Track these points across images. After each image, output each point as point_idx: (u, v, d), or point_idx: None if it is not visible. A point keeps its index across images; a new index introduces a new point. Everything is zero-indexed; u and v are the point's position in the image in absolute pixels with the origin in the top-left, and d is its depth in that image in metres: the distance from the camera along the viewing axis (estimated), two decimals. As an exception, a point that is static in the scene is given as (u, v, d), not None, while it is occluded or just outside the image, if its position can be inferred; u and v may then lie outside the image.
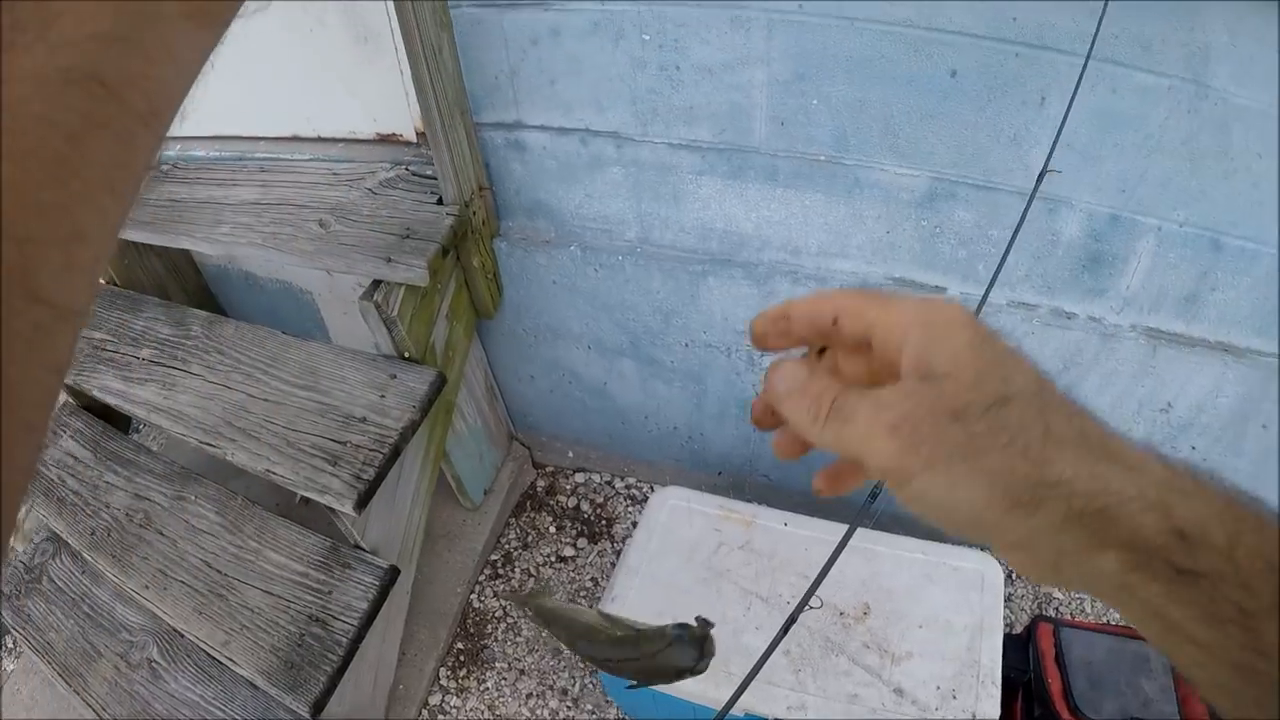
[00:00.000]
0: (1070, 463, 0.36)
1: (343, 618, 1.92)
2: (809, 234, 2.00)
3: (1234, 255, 1.77)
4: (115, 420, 2.59)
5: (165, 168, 2.58)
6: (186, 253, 2.76)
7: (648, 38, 1.82)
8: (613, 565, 2.53)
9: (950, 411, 0.38)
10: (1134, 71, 1.63)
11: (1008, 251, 1.42)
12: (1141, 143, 1.71)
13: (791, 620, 1.19)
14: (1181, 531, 0.35)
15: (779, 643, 1.17)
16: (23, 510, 2.73)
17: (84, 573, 2.35)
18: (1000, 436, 0.37)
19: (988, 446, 0.37)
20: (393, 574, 1.96)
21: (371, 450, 1.90)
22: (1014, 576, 2.44)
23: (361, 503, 1.84)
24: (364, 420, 1.97)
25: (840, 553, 1.23)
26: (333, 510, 1.93)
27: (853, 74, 1.77)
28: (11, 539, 2.62)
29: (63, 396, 2.65)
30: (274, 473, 1.95)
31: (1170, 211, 1.76)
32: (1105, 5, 1.45)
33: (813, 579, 1.80)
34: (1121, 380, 2.06)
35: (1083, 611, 2.44)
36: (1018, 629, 2.12)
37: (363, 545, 1.99)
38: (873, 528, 1.88)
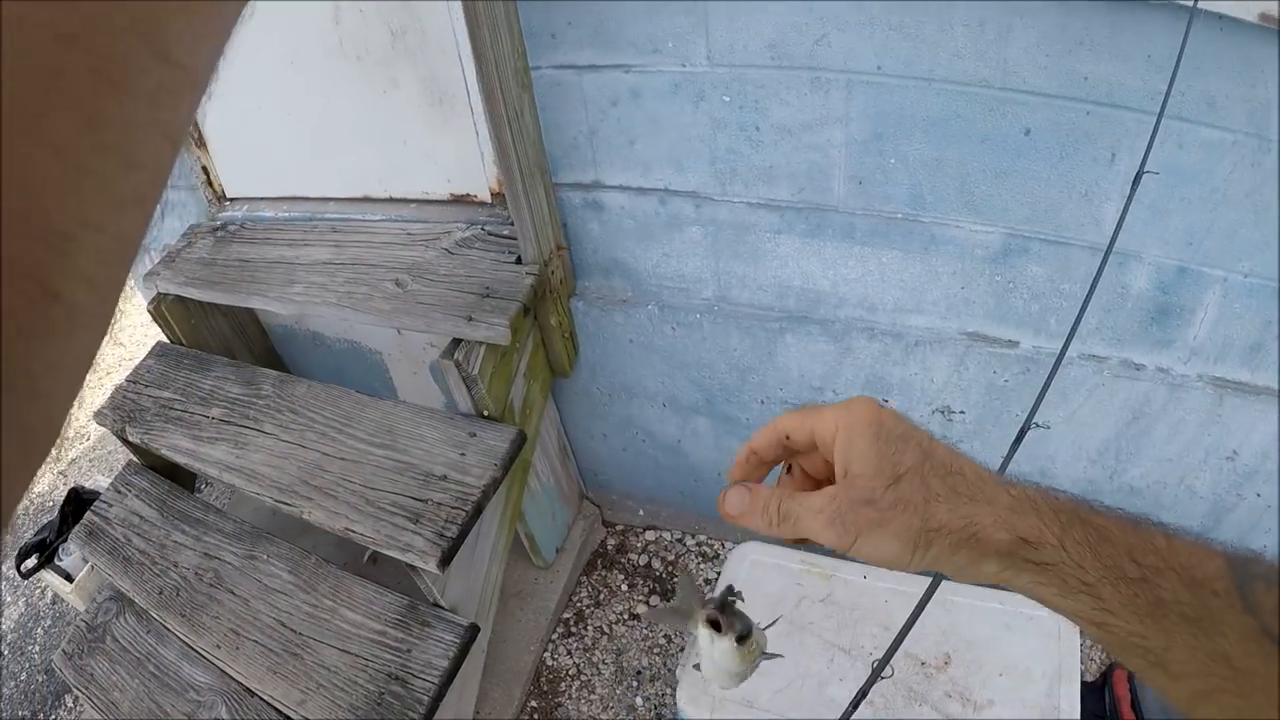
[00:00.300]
0: (945, 511, 0.53)
1: (423, 676, 1.91)
2: (885, 290, 2.02)
3: (1298, 305, 1.79)
4: (181, 479, 2.61)
5: (233, 228, 2.63)
6: (252, 312, 2.80)
7: (728, 99, 1.85)
8: (685, 622, 2.52)
9: (863, 500, 0.55)
10: (1199, 127, 1.66)
11: (1085, 305, 1.43)
12: (1207, 196, 1.73)
13: (877, 672, 1.20)
14: (1024, 539, 0.52)
15: (866, 693, 1.18)
16: (85, 568, 2.75)
17: (149, 632, 2.34)
18: (897, 507, 0.54)
19: (891, 518, 0.54)
20: (473, 631, 1.95)
21: (454, 508, 1.91)
22: None
23: (445, 560, 1.84)
24: (444, 478, 1.98)
25: (923, 608, 1.25)
26: (413, 568, 1.93)
27: (929, 133, 1.80)
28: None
29: (127, 455, 2.67)
30: (353, 530, 1.95)
31: (1235, 263, 1.78)
32: (1177, 66, 1.48)
33: (893, 629, 1.83)
34: (1189, 429, 2.05)
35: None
36: (1090, 676, 2.11)
37: (441, 603, 1.99)
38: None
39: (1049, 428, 2.04)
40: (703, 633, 0.71)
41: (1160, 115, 1.49)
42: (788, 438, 0.63)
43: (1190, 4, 1.47)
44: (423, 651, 1.94)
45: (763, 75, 1.80)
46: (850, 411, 0.59)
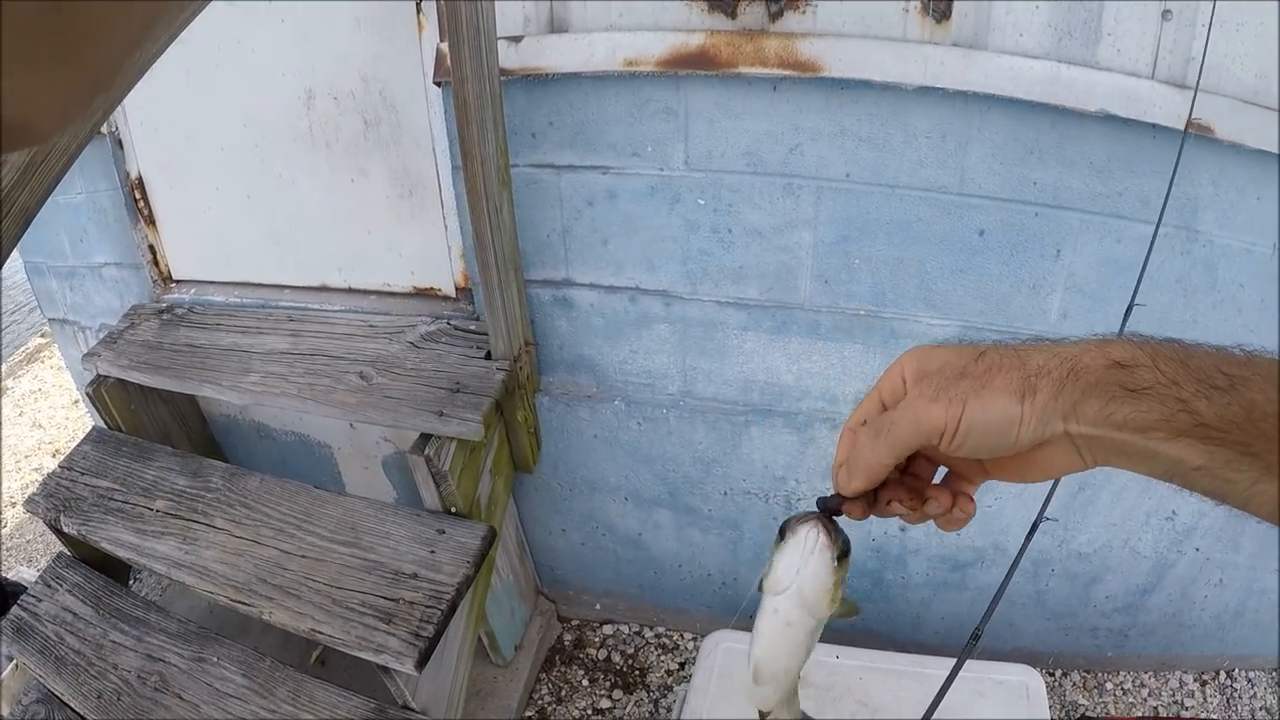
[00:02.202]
0: (1040, 356, 0.54)
1: (395, 784, 1.85)
2: (847, 382, 2.08)
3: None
4: (114, 572, 2.49)
5: (180, 311, 2.57)
6: (193, 400, 2.72)
7: (703, 202, 1.91)
8: (650, 715, 2.50)
9: (958, 375, 0.56)
10: (1134, 223, 1.83)
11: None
12: (1143, 284, 1.87)
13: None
14: (1119, 362, 0.51)
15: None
16: (9, 667, 2.60)
17: (81, 740, 2.22)
18: (992, 370, 0.55)
19: (991, 378, 0.54)
20: (446, 735, 1.91)
21: (428, 607, 1.87)
22: (1052, 687, 2.51)
23: (422, 661, 1.80)
24: (415, 576, 1.95)
25: (948, 689, 1.33)
26: (386, 670, 1.88)
27: (892, 235, 1.89)
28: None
29: (47, 545, 2.55)
30: (320, 632, 1.90)
31: None
32: (1174, 171, 1.61)
33: (870, 705, 1.93)
34: (1131, 495, 2.20)
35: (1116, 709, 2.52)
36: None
37: (413, 705, 1.93)
38: (919, 652, 1.99)
39: (1056, 520, 2.14)
40: (798, 541, 0.63)
41: (1154, 237, 1.61)
42: (863, 424, 0.62)
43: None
44: (393, 757, 1.89)
45: (738, 180, 1.87)
46: (908, 353, 0.61)
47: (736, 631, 2.10)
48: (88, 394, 2.54)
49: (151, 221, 2.59)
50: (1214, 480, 0.50)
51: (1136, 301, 1.57)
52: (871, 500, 0.63)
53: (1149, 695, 2.59)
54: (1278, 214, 1.79)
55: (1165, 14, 1.65)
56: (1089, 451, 0.55)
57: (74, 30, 0.25)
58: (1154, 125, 1.70)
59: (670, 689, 2.58)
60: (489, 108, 1.78)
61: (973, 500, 0.65)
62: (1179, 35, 1.65)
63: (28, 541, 3.39)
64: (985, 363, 0.55)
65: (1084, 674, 2.64)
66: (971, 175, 1.82)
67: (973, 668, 2.01)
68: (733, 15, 1.77)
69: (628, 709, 2.54)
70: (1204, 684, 2.61)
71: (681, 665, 2.65)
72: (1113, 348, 0.52)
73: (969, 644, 1.42)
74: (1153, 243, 1.55)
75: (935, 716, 1.91)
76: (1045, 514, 1.30)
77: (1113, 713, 2.55)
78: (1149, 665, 2.65)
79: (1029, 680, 1.97)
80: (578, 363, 2.24)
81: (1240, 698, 2.58)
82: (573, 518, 2.57)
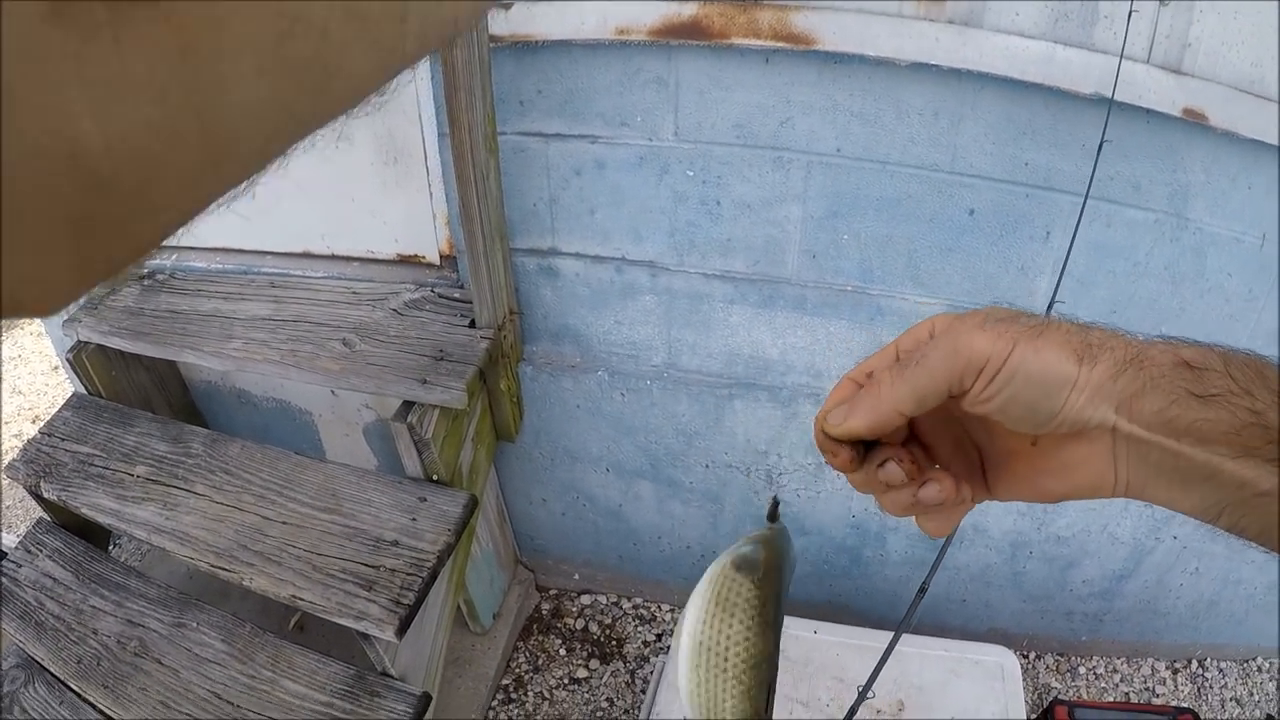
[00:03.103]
0: (1103, 335, 0.48)
1: (373, 750, 1.85)
2: (832, 358, 2.08)
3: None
4: (94, 538, 2.48)
5: (161, 277, 2.54)
6: (174, 366, 2.70)
7: (692, 173, 1.90)
8: (627, 685, 2.51)
9: (1009, 317, 0.49)
10: (1125, 208, 1.82)
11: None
12: (1130, 270, 1.89)
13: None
14: (1188, 363, 0.46)
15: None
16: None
17: (62, 703, 2.20)
18: (1051, 325, 0.48)
19: (1048, 330, 0.48)
20: (425, 701, 1.91)
21: (409, 574, 1.87)
22: (1026, 669, 2.53)
23: (403, 628, 1.80)
24: (396, 544, 1.94)
25: (888, 658, 1.36)
26: (365, 637, 1.88)
27: (881, 212, 1.89)
28: None
29: (28, 511, 2.53)
30: (301, 598, 1.89)
31: (1154, 328, 1.93)
32: (1100, 151, 1.61)
33: (847, 681, 1.94)
34: None
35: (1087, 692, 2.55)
36: (1034, 713, 2.25)
37: (392, 672, 1.94)
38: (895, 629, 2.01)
39: None
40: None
41: (1086, 197, 1.61)
42: (869, 375, 0.55)
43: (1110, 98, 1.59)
44: (372, 724, 1.89)
45: (727, 152, 1.86)
46: (944, 315, 0.52)
47: (717, 605, 2.12)
48: (68, 360, 2.51)
49: (132, 185, 2.55)
50: (1271, 514, 0.44)
51: (1058, 299, 1.59)
52: (863, 453, 0.54)
53: (1121, 681, 2.62)
54: (1277, 206, 1.78)
55: (1162, -3, 1.64)
56: (1129, 464, 0.49)
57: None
58: (1148, 110, 1.69)
59: (647, 660, 2.60)
60: (477, 74, 1.75)
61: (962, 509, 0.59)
62: (1175, 20, 1.64)
63: (7, 507, 3.36)
64: (1043, 320, 0.49)
65: (1057, 657, 2.66)
66: (963, 154, 1.81)
67: (949, 647, 2.03)
68: (726, -15, 1.75)
69: (604, 679, 2.55)
70: (1176, 672, 2.64)
71: (659, 637, 2.66)
72: (1182, 347, 0.47)
73: (917, 597, 1.44)
74: (1079, 218, 1.56)
75: (914, 694, 1.95)
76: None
77: (1084, 697, 2.58)
78: (1122, 651, 2.67)
79: (1004, 661, 2.00)
80: (562, 332, 2.23)
81: (1211, 687, 2.60)
82: (554, 487, 2.57)
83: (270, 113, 0.24)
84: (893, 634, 1.44)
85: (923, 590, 1.44)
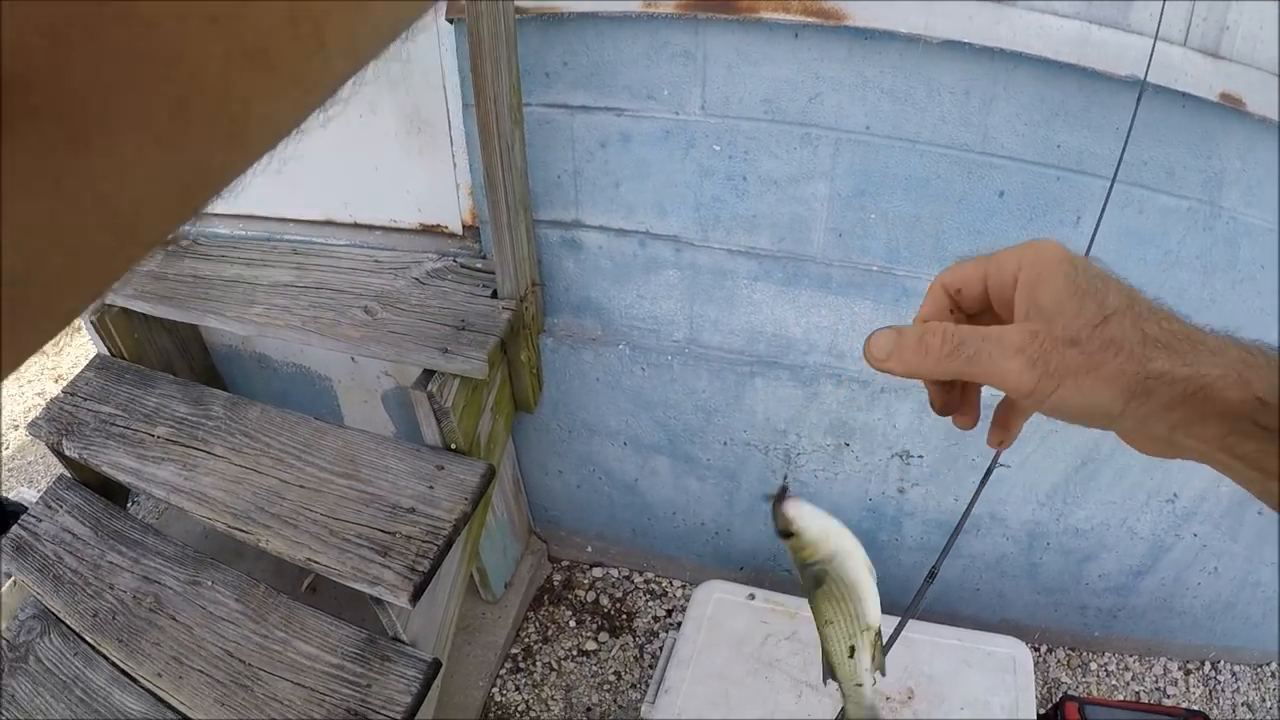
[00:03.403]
0: (1166, 358, 0.45)
1: (384, 712, 1.86)
2: (855, 339, 2.07)
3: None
4: (113, 495, 2.50)
5: (185, 243, 2.55)
6: (196, 330, 2.71)
7: (718, 148, 1.89)
8: (635, 659, 2.52)
9: (1067, 340, 0.46)
10: (1158, 194, 1.79)
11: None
12: (1162, 258, 1.86)
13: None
14: (1261, 399, 0.43)
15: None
16: (7, 583, 2.62)
17: (76, 654, 2.23)
18: (1109, 350, 0.46)
19: (1102, 361, 0.46)
20: (436, 667, 1.92)
21: (425, 542, 1.88)
22: (1036, 662, 2.52)
23: (417, 595, 1.81)
24: (412, 510, 1.95)
25: (895, 640, 1.34)
26: (379, 602, 1.89)
27: (910, 192, 1.87)
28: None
29: (49, 468, 2.55)
30: (316, 562, 1.90)
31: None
32: (1129, 133, 1.58)
33: None
34: (1133, 473, 2.19)
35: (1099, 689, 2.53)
36: (1043, 708, 2.22)
37: (403, 637, 1.95)
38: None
39: (1010, 467, 2.12)
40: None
41: (1113, 181, 1.58)
42: (958, 292, 0.55)
43: (1144, 80, 1.56)
44: (383, 687, 1.90)
45: (755, 128, 1.84)
46: (1035, 250, 0.51)
47: (729, 583, 2.11)
48: (91, 322, 2.53)
49: (157, 151, 2.56)
50: None
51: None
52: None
53: (1132, 679, 2.59)
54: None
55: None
56: (1170, 448, 0.48)
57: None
58: (1184, 94, 1.66)
59: (656, 635, 2.60)
60: (503, 46, 1.75)
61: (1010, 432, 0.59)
62: (1213, 2, 1.61)
63: (29, 463, 3.40)
64: (1104, 335, 0.46)
65: (1069, 651, 2.64)
66: (994, 134, 1.78)
67: (962, 636, 2.02)
68: (758, -42, 1.73)
69: (613, 652, 2.56)
70: (1188, 673, 2.61)
71: (669, 612, 2.67)
72: (1256, 377, 0.44)
73: (925, 582, 1.44)
74: (1105, 202, 1.54)
75: (924, 682, 1.93)
76: (1000, 460, 1.29)
77: (1095, 694, 2.56)
78: (1135, 649, 2.65)
79: (1016, 653, 1.98)
80: (584, 305, 2.22)
81: (1223, 690, 2.57)
82: (570, 459, 2.57)
83: (177, 176, 0.23)
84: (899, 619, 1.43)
85: (932, 575, 1.44)
